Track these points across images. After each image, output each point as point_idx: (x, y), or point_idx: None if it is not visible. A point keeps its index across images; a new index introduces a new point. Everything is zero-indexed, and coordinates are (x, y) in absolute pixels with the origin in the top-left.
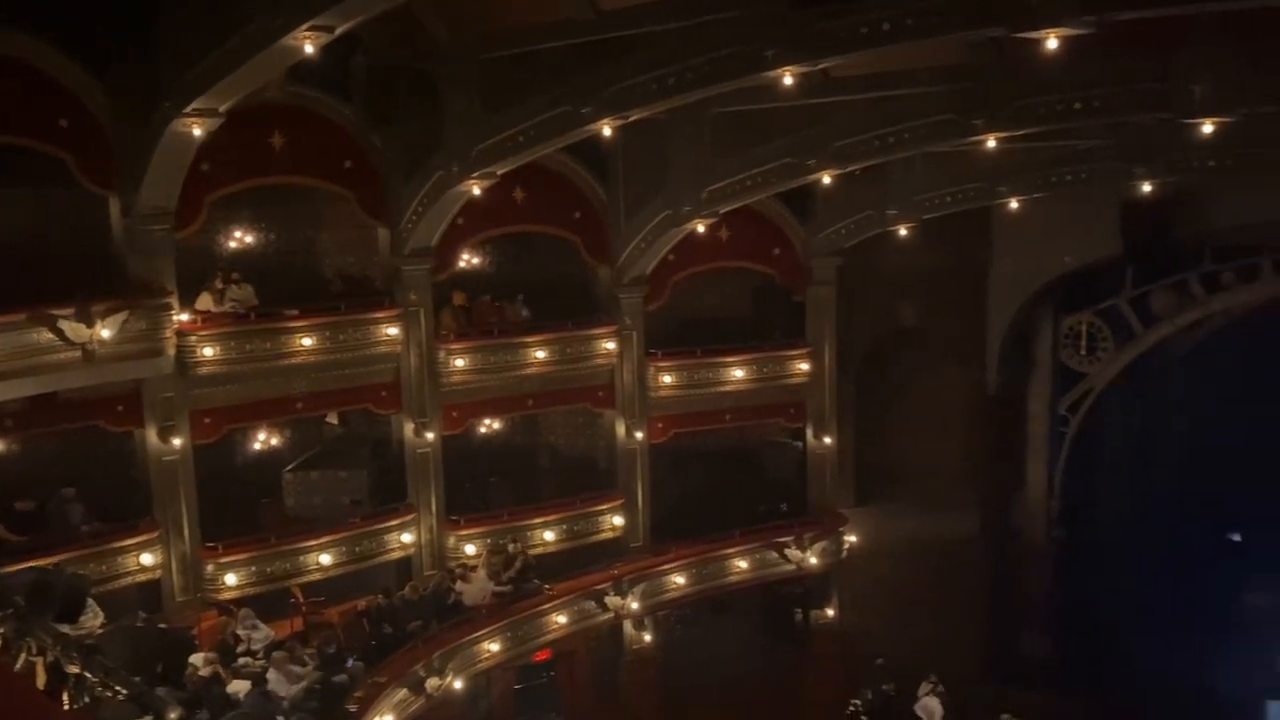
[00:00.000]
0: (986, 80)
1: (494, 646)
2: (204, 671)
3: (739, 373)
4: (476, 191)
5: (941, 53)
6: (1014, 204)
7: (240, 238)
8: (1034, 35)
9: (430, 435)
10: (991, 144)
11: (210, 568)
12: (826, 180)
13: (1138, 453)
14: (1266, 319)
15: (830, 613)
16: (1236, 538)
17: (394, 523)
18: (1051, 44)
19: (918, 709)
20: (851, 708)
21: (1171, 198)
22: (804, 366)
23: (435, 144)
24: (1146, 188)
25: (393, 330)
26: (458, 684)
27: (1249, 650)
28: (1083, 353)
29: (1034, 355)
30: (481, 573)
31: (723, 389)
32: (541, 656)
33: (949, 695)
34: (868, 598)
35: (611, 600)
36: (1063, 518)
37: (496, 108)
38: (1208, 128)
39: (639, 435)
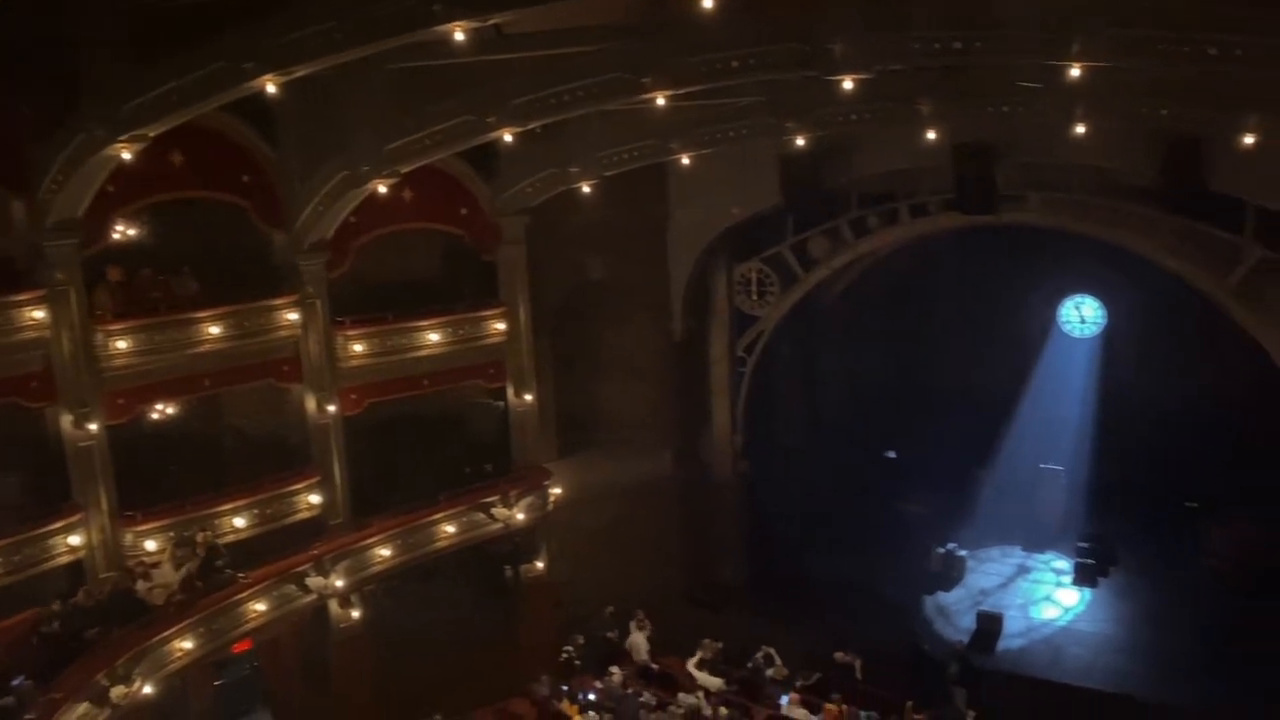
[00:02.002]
0: (651, 38)
1: (187, 644)
2: None
3: (434, 337)
4: (127, 156)
5: (610, 10)
6: (686, 160)
7: None
8: None
9: (93, 426)
10: (661, 101)
11: None
12: (508, 138)
13: (806, 386)
14: (907, 257)
15: (539, 565)
16: (892, 455)
17: (58, 525)
18: (707, 3)
19: (626, 644)
20: (565, 654)
21: (822, 150)
22: (500, 326)
23: (75, 102)
24: (800, 142)
25: (38, 314)
26: (148, 689)
27: (906, 554)
28: (754, 297)
29: (713, 302)
30: (166, 568)
31: (418, 354)
32: (242, 647)
33: (655, 628)
34: (574, 545)
35: (313, 581)
36: (746, 451)
37: (146, 63)
38: (848, 84)
39: (331, 408)
